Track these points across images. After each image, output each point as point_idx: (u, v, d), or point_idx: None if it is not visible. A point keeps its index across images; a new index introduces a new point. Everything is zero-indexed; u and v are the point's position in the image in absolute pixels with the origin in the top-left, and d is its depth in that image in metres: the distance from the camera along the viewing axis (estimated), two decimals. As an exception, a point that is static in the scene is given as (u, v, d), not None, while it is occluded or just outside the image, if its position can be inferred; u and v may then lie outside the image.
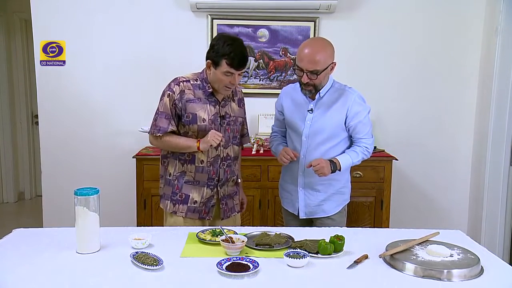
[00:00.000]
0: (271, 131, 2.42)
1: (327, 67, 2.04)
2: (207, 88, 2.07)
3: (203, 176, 2.09)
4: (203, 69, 2.11)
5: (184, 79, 2.08)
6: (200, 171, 2.08)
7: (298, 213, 2.20)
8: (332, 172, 2.06)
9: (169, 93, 2.04)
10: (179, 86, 2.05)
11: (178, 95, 2.03)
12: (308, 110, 2.13)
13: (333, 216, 2.18)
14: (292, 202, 2.23)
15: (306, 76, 2.03)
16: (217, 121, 2.08)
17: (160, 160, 2.20)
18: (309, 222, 2.22)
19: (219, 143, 2.03)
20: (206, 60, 2.04)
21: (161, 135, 2.05)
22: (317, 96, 2.12)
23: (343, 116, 2.10)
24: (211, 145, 2.01)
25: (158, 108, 2.09)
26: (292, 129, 2.21)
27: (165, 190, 2.16)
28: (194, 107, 2.04)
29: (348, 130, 2.14)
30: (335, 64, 2.09)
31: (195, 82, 2.08)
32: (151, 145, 2.44)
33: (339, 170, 2.09)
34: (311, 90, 2.09)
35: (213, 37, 2.25)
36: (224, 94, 2.09)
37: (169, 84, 2.08)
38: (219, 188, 2.13)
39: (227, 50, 1.95)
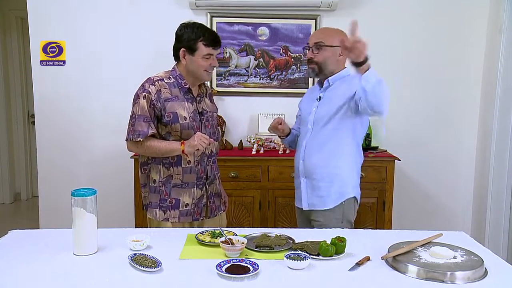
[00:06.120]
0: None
1: (334, 47, 2.01)
2: (183, 84, 2.02)
3: (192, 177, 2.04)
4: (173, 67, 2.06)
5: (158, 78, 2.00)
6: (188, 172, 2.03)
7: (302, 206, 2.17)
8: (364, 62, 1.82)
9: (145, 94, 1.94)
10: (154, 85, 1.96)
11: (156, 95, 1.95)
12: (316, 98, 2.11)
13: (333, 209, 2.06)
14: (298, 195, 2.20)
15: (310, 51, 2.04)
16: (197, 118, 2.03)
17: (140, 168, 2.11)
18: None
19: (206, 146, 1.96)
20: (178, 50, 1.99)
21: (142, 139, 1.94)
22: (325, 84, 2.08)
23: (351, 93, 1.94)
24: (197, 149, 1.95)
25: (133, 112, 1.98)
26: (303, 122, 2.18)
27: (151, 198, 2.07)
28: (174, 106, 1.97)
29: (357, 103, 1.90)
30: None
31: (169, 80, 2.01)
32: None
33: (367, 69, 1.83)
34: (314, 68, 2.06)
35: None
36: (205, 79, 2.05)
37: (143, 85, 1.98)
38: (207, 187, 2.10)
39: (201, 32, 1.95)
